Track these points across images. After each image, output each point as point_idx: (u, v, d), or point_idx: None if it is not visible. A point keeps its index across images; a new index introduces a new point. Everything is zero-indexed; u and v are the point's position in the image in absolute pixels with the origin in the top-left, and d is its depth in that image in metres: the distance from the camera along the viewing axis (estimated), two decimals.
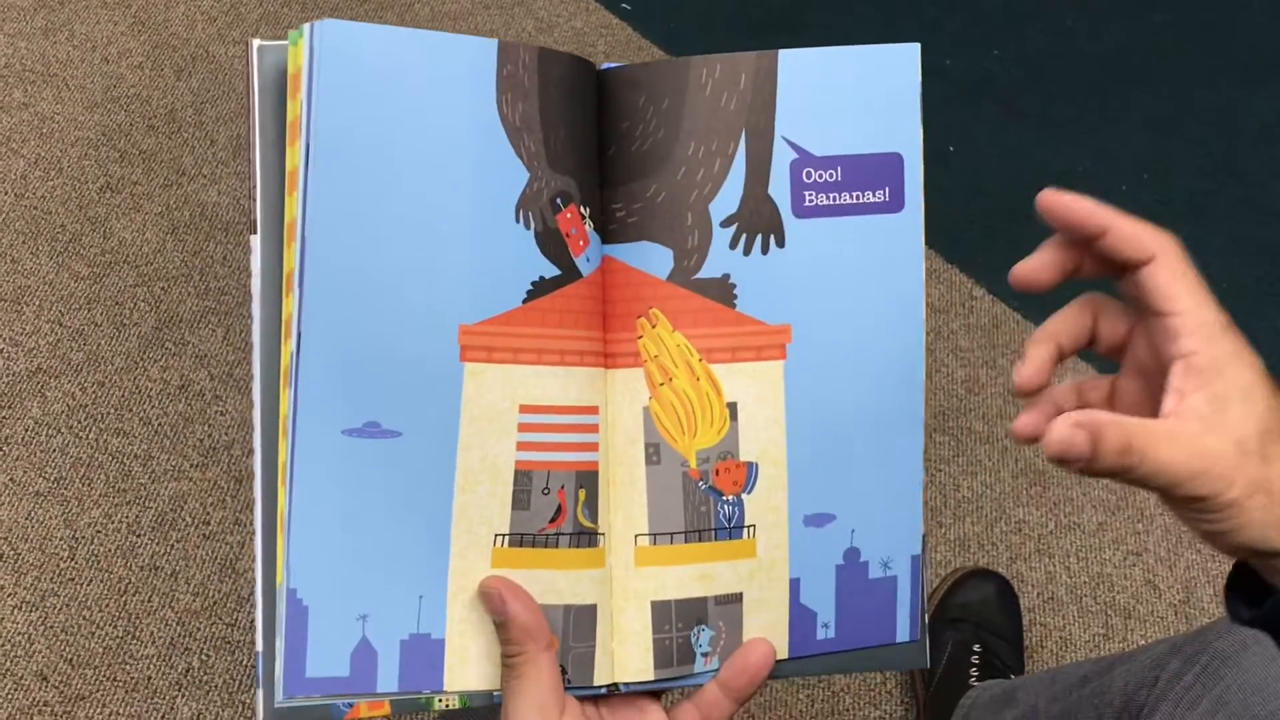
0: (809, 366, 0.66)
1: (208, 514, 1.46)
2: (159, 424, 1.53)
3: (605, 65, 0.66)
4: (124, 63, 1.90)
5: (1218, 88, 2.02)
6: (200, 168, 1.78)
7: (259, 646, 0.61)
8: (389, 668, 0.62)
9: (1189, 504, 0.56)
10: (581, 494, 0.64)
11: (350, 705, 0.61)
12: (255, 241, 0.60)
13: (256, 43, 0.60)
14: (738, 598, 0.66)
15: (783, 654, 0.67)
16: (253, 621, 1.36)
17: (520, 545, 0.63)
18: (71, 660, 1.34)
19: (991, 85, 2.03)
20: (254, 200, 0.60)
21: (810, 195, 0.65)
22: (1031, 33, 2.10)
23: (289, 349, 0.60)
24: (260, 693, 0.61)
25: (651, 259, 0.65)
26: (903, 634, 0.69)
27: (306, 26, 0.59)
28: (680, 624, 0.65)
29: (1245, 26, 2.12)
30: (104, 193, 1.74)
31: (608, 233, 0.66)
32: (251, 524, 1.44)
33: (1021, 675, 1.33)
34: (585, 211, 0.64)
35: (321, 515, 0.60)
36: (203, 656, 1.35)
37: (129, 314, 1.62)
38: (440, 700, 0.63)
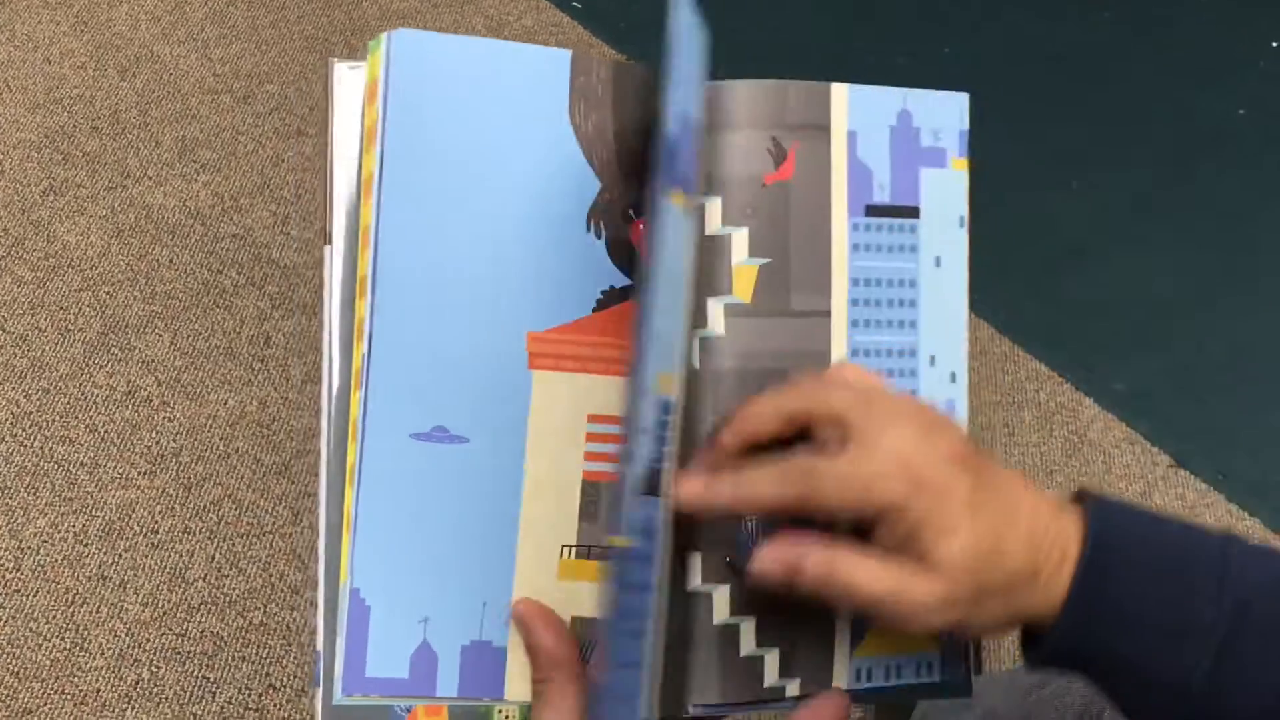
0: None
1: (156, 522, 1.44)
2: (105, 431, 1.50)
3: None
4: (66, 63, 1.87)
5: (1169, 86, 2.04)
6: (145, 170, 1.76)
7: (319, 645, 0.61)
8: (449, 673, 0.62)
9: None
10: None
11: (409, 709, 0.61)
12: (328, 252, 0.62)
13: (336, 63, 0.62)
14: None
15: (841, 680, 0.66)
16: (204, 631, 1.35)
17: (589, 557, 0.63)
18: (18, 673, 1.32)
19: (943, 82, 2.03)
20: (330, 211, 0.63)
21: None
22: (985, 30, 2.10)
23: (360, 351, 0.61)
24: (319, 692, 0.61)
25: None
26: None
27: (384, 35, 0.61)
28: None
29: (1195, 25, 2.13)
30: (47, 195, 1.71)
31: None
32: (201, 531, 1.42)
33: (980, 676, 1.33)
34: None
35: (387, 517, 0.61)
36: (153, 668, 1.33)
37: (74, 319, 1.60)
38: (500, 711, 0.63)
